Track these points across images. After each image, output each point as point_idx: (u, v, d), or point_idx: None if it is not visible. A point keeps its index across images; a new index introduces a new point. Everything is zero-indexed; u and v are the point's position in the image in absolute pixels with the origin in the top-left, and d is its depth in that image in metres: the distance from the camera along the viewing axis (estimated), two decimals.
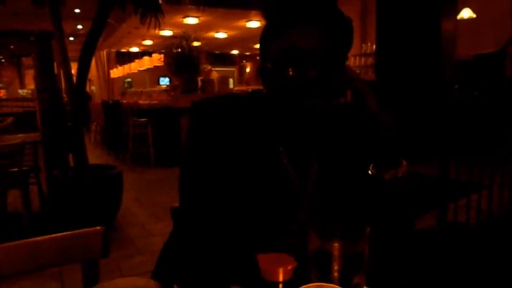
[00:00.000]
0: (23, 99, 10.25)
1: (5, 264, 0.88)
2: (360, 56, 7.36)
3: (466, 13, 6.65)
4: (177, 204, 0.96)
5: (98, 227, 0.91)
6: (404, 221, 0.82)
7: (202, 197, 0.85)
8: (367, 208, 0.81)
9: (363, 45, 7.34)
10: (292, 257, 0.59)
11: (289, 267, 0.57)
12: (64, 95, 3.93)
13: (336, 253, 0.56)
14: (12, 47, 12.07)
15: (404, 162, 0.81)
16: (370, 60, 7.04)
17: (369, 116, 0.79)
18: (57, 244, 0.91)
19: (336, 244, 0.56)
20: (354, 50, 7.24)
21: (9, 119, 5.35)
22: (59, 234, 0.92)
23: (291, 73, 0.77)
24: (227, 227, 0.84)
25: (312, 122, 0.84)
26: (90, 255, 0.90)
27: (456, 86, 4.71)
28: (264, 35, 0.84)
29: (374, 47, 6.29)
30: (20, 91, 14.32)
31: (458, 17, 6.20)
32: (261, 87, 0.89)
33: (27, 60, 13.60)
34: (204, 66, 7.13)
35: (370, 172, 0.80)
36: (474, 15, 6.66)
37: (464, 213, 2.68)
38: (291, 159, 0.87)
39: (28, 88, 14.13)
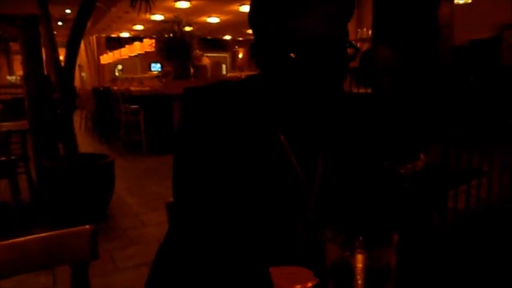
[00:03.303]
0: (12, 85, 10.04)
1: None
2: (356, 41, 7.25)
3: None
4: (171, 198, 0.89)
5: (87, 226, 0.83)
6: (425, 218, 0.75)
7: (200, 192, 0.78)
8: (389, 209, 0.73)
9: (359, 30, 7.24)
10: (309, 270, 0.51)
11: (309, 285, 0.49)
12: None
13: (359, 265, 0.49)
14: None
15: (422, 156, 0.74)
16: (366, 45, 6.95)
17: (382, 102, 0.72)
18: (43, 244, 0.84)
19: (358, 255, 0.49)
20: (349, 35, 7.17)
21: None
22: (45, 234, 0.84)
23: (305, 60, 0.69)
24: (227, 227, 0.77)
25: (318, 108, 0.76)
26: (79, 257, 0.83)
27: (454, 72, 4.68)
28: (266, 13, 0.75)
29: (370, 32, 6.20)
30: (9, 77, 14.04)
31: (454, 1, 6.12)
32: (254, 73, 0.82)
33: (15, 46, 13.31)
34: (196, 52, 7.00)
35: (384, 166, 0.73)
36: (469, 0, 6.58)
37: (463, 201, 2.65)
38: (294, 149, 0.79)
39: (17, 74, 13.84)
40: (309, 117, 0.80)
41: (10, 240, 0.85)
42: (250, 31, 0.78)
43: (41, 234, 0.84)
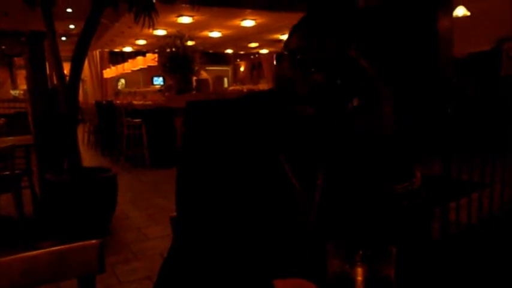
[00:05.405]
0: (15, 100, 10.11)
1: None
2: None
3: (461, 11, 6.65)
4: (174, 212, 0.90)
5: (94, 241, 0.85)
6: (423, 234, 0.77)
7: (202, 206, 0.79)
8: (387, 224, 0.75)
9: None
10: (312, 283, 0.53)
11: None
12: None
13: (359, 278, 0.51)
14: (3, 47, 11.92)
15: (418, 174, 0.75)
16: None
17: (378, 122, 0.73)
18: (52, 258, 0.86)
19: (359, 268, 0.51)
20: None
21: (1, 121, 5.25)
22: (54, 248, 0.86)
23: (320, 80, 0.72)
24: (230, 242, 0.78)
25: (317, 125, 0.79)
26: (86, 271, 0.84)
27: (455, 82, 4.72)
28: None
29: None
30: (12, 92, 14.13)
31: (453, 15, 6.19)
32: (255, 88, 0.84)
33: (19, 60, 13.43)
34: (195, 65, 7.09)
35: (381, 185, 0.74)
36: (468, 13, 6.65)
37: (465, 213, 2.65)
38: (293, 166, 0.81)
39: (20, 89, 13.95)
40: (308, 134, 0.82)
41: (19, 255, 0.87)
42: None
43: (50, 249, 0.86)
